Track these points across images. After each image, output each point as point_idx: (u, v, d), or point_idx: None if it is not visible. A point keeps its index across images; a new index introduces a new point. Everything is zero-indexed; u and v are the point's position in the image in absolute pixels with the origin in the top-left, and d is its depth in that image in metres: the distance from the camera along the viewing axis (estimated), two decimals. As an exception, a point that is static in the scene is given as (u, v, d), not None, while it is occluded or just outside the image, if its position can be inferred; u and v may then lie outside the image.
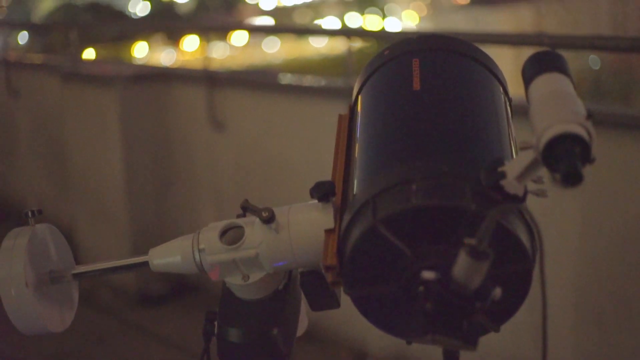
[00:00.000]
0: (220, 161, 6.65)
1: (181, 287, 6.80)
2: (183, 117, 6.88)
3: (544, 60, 1.44)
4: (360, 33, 5.90)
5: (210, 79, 6.56)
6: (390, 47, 1.67)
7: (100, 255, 7.23)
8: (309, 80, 6.25)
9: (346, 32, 5.94)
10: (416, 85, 1.51)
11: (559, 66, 1.42)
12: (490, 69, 1.59)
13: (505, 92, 1.59)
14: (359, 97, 1.64)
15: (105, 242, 7.24)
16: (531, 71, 1.43)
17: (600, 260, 4.35)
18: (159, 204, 6.99)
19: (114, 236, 7.13)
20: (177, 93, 6.91)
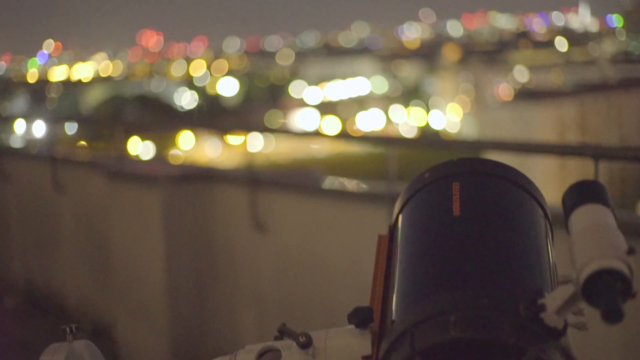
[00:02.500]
0: (261, 263, 6.66)
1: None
2: (225, 217, 6.91)
3: (585, 191, 1.43)
4: (400, 141, 5.95)
5: (252, 180, 6.60)
6: (430, 169, 1.67)
7: (140, 353, 7.23)
8: (351, 185, 6.27)
9: (387, 140, 5.99)
10: (456, 210, 1.50)
11: (600, 197, 1.41)
12: (530, 192, 1.59)
13: (546, 215, 1.58)
14: (399, 218, 1.63)
15: (144, 340, 7.23)
16: (572, 201, 1.41)
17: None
18: (199, 304, 6.99)
19: (153, 334, 7.13)
20: (219, 193, 6.96)
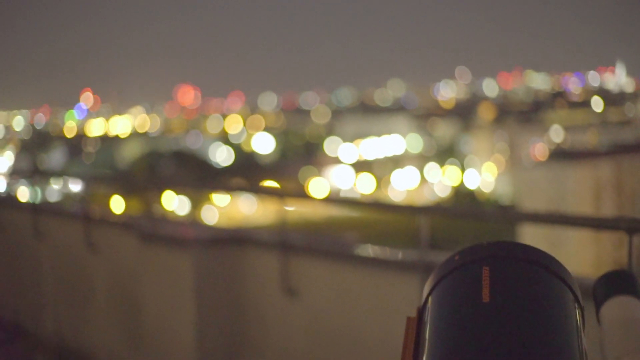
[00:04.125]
0: (291, 328, 6.62)
1: None
2: (256, 281, 6.90)
3: (615, 282, 1.41)
4: (432, 210, 5.91)
5: (284, 245, 6.59)
6: (460, 252, 1.65)
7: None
8: (383, 252, 6.23)
9: (415, 210, 5.96)
10: (485, 297, 1.48)
11: (630, 288, 1.39)
12: (561, 277, 1.57)
13: (577, 301, 1.56)
14: (428, 301, 1.62)
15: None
16: (602, 293, 1.40)
17: None
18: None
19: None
20: (251, 257, 6.95)
